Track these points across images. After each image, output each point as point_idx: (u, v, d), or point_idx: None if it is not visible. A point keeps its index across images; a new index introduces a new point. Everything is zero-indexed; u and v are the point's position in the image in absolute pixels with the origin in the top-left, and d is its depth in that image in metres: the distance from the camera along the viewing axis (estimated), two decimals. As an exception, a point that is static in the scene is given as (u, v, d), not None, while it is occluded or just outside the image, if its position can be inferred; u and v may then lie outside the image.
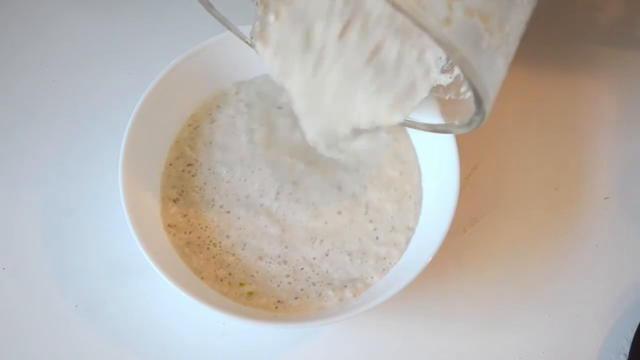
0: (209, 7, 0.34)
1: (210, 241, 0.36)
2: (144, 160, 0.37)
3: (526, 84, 0.46)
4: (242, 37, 0.36)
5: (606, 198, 0.43)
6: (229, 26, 0.35)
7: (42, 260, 0.40)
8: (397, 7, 0.22)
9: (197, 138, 0.39)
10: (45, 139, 0.43)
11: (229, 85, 0.41)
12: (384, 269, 0.36)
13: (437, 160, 0.37)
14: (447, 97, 0.34)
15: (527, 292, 0.40)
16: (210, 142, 0.39)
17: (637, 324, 0.38)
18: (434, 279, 0.39)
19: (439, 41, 0.22)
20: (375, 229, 0.37)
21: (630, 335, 0.38)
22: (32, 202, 0.41)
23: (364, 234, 0.37)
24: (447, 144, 0.36)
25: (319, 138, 0.35)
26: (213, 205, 0.37)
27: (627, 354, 0.37)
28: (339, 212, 0.37)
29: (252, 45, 0.35)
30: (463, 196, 0.35)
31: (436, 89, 0.33)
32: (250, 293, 0.35)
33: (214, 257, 0.36)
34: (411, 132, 0.40)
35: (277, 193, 0.37)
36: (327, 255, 0.36)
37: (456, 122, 0.33)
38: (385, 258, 0.36)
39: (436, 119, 0.35)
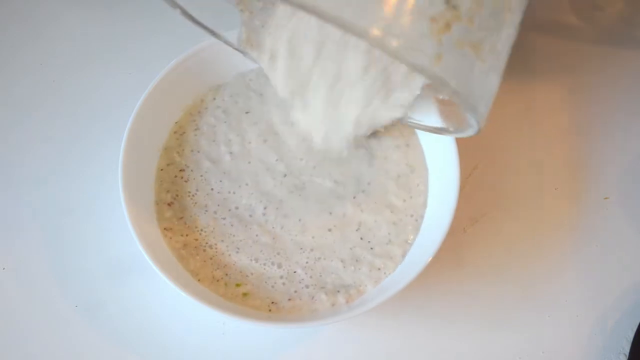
0: (192, 19, 0.33)
1: (207, 243, 0.36)
2: (144, 161, 0.37)
3: (526, 84, 0.46)
4: (230, 45, 0.36)
5: (606, 198, 0.43)
6: (215, 35, 0.35)
7: (42, 260, 0.40)
8: (385, 51, 0.21)
9: (185, 145, 0.39)
10: (45, 139, 0.43)
11: (206, 90, 0.40)
12: (378, 278, 0.35)
13: (438, 161, 0.37)
14: (441, 97, 0.34)
15: (527, 292, 0.40)
16: (199, 151, 0.39)
17: (637, 324, 0.38)
18: (434, 279, 0.39)
19: (431, 79, 0.22)
20: (369, 242, 0.36)
21: (630, 335, 0.38)
22: (32, 202, 0.41)
23: (356, 245, 0.36)
24: (447, 144, 0.36)
25: (322, 138, 0.35)
26: (207, 210, 0.37)
27: (627, 354, 0.37)
28: (329, 230, 0.37)
29: (241, 51, 0.35)
30: (463, 196, 0.35)
31: (430, 85, 0.33)
32: (245, 294, 0.35)
33: (210, 259, 0.36)
34: (424, 147, 0.39)
35: (265, 208, 0.37)
36: (318, 260, 0.36)
37: (451, 128, 0.33)
38: (379, 269, 0.36)
39: (435, 121, 0.35)
